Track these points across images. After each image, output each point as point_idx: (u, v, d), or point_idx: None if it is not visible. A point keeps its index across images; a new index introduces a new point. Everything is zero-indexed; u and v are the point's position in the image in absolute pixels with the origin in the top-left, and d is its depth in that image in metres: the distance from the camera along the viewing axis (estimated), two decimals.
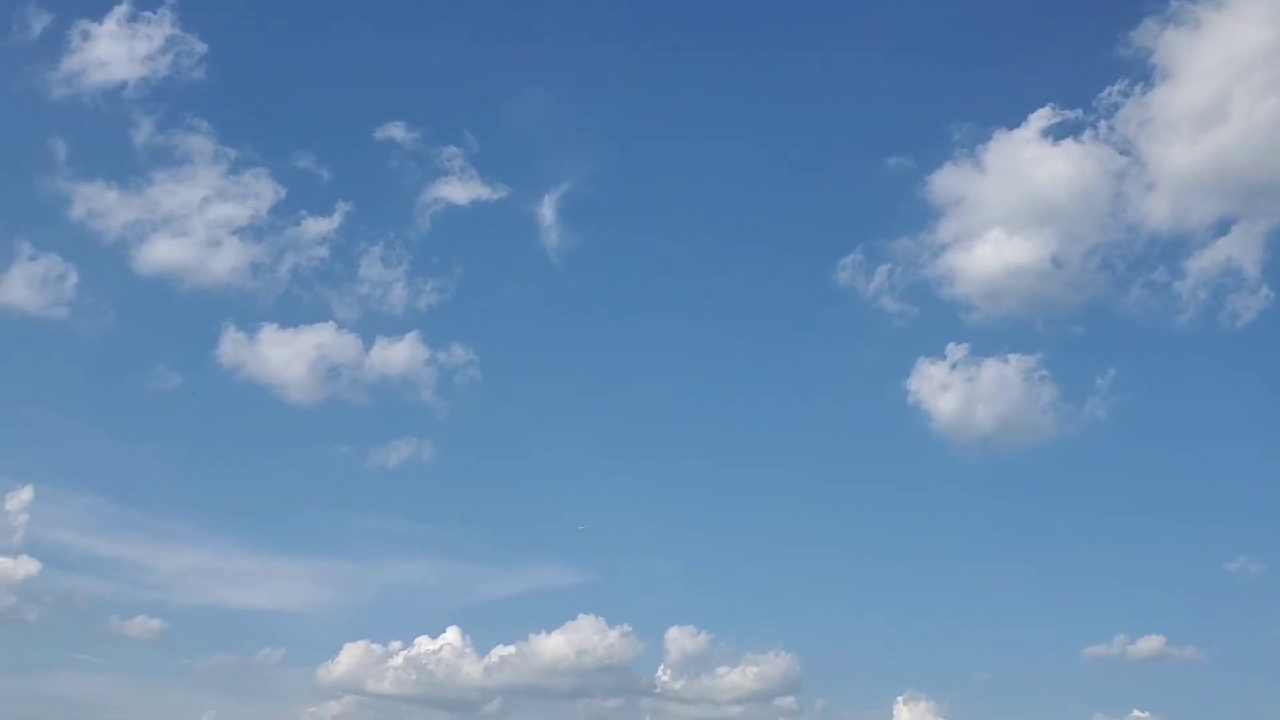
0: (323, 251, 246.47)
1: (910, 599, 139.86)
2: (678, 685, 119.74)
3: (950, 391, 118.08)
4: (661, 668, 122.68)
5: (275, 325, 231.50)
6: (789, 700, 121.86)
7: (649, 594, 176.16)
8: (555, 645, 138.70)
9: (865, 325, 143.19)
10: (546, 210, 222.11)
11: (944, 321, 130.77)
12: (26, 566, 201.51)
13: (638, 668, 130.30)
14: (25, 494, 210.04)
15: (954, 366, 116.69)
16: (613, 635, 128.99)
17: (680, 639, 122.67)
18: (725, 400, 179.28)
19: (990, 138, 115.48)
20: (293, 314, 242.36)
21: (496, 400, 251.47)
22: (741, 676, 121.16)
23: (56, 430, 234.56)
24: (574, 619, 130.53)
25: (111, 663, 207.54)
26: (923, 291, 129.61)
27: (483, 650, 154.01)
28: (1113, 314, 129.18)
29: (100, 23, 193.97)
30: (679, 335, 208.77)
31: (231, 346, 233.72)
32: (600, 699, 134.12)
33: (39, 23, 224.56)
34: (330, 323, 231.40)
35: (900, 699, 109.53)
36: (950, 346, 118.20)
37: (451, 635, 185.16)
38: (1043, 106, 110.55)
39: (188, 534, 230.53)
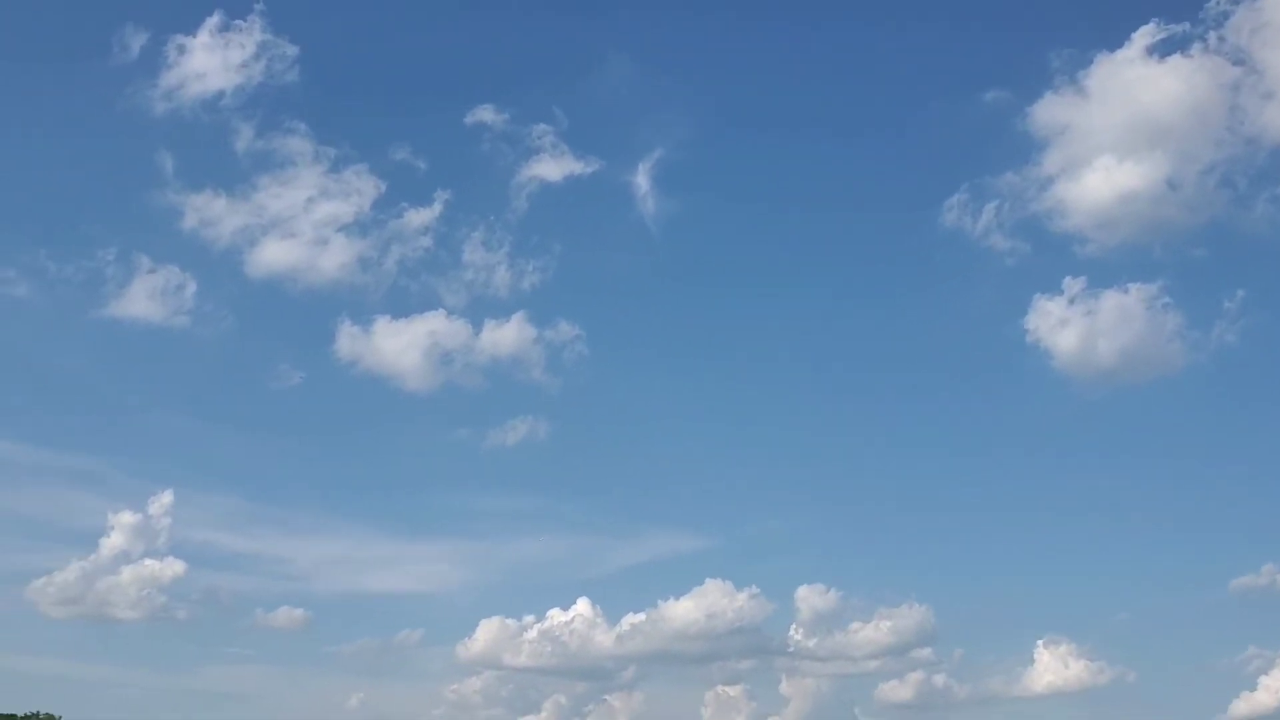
0: (426, 241, 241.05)
1: (1043, 543, 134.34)
2: (811, 643, 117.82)
3: (1069, 327, 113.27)
4: (793, 627, 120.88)
5: (387, 317, 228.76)
6: (925, 652, 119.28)
7: (775, 555, 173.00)
8: (684, 611, 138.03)
9: (976, 266, 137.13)
10: (641, 179, 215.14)
11: (1058, 256, 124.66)
12: (173, 567, 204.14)
13: (769, 628, 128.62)
14: (166, 498, 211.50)
15: (1071, 301, 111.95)
16: (741, 598, 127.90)
17: (810, 597, 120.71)
18: (838, 356, 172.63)
19: (1091, 61, 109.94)
20: (403, 304, 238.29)
21: (606, 373, 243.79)
22: (875, 631, 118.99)
23: (189, 434, 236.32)
24: (701, 584, 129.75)
25: (259, 654, 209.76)
26: (1033, 226, 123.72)
27: (613, 619, 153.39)
28: (1236, 233, 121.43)
29: (194, 35, 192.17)
30: (785, 294, 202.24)
31: (348, 341, 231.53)
32: (733, 661, 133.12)
33: (136, 42, 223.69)
34: (439, 310, 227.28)
35: (1040, 643, 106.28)
36: (1066, 281, 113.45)
37: (582, 606, 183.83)
38: (1146, 23, 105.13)
39: (322, 525, 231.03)
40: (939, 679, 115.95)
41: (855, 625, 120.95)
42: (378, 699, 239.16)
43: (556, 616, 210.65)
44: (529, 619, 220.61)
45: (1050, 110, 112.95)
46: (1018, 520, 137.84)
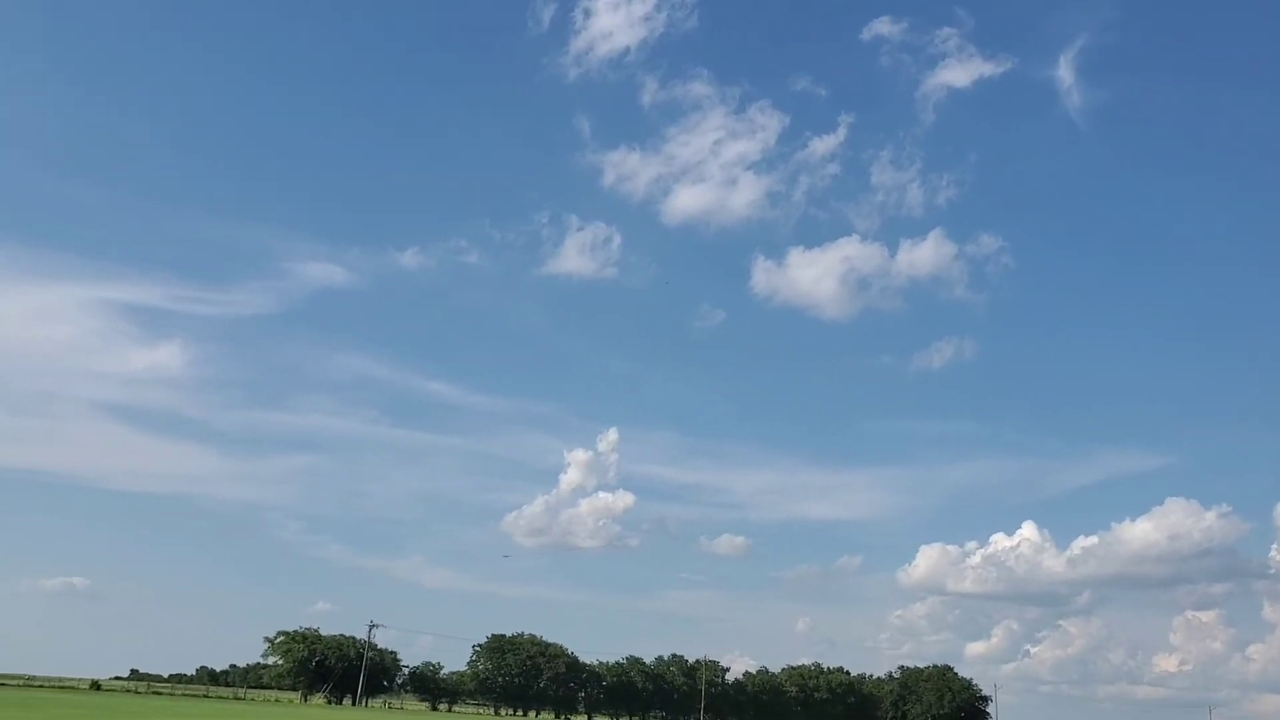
0: (833, 168, 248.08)
1: None
2: None
3: None
4: (1275, 547, 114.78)
5: (800, 248, 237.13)
6: None
7: (1248, 470, 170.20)
8: (1142, 532, 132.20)
9: None
10: (1063, 72, 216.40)
11: None
12: (624, 499, 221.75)
13: (1244, 549, 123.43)
14: (612, 435, 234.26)
15: None
16: (1209, 517, 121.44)
17: None
18: None
19: None
20: (815, 234, 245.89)
21: (1034, 284, 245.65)
22: None
23: (627, 376, 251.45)
24: (1160, 503, 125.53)
25: (707, 579, 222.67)
26: None
27: (1063, 543, 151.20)
28: None
29: None
30: (1231, 180, 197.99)
31: (763, 275, 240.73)
32: (1203, 585, 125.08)
33: (546, 14, 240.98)
34: (852, 236, 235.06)
35: None
36: None
37: (1028, 530, 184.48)
38: None
39: (756, 456, 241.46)
40: None
41: None
42: (823, 623, 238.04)
43: (1000, 541, 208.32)
44: (971, 544, 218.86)
45: None
46: None
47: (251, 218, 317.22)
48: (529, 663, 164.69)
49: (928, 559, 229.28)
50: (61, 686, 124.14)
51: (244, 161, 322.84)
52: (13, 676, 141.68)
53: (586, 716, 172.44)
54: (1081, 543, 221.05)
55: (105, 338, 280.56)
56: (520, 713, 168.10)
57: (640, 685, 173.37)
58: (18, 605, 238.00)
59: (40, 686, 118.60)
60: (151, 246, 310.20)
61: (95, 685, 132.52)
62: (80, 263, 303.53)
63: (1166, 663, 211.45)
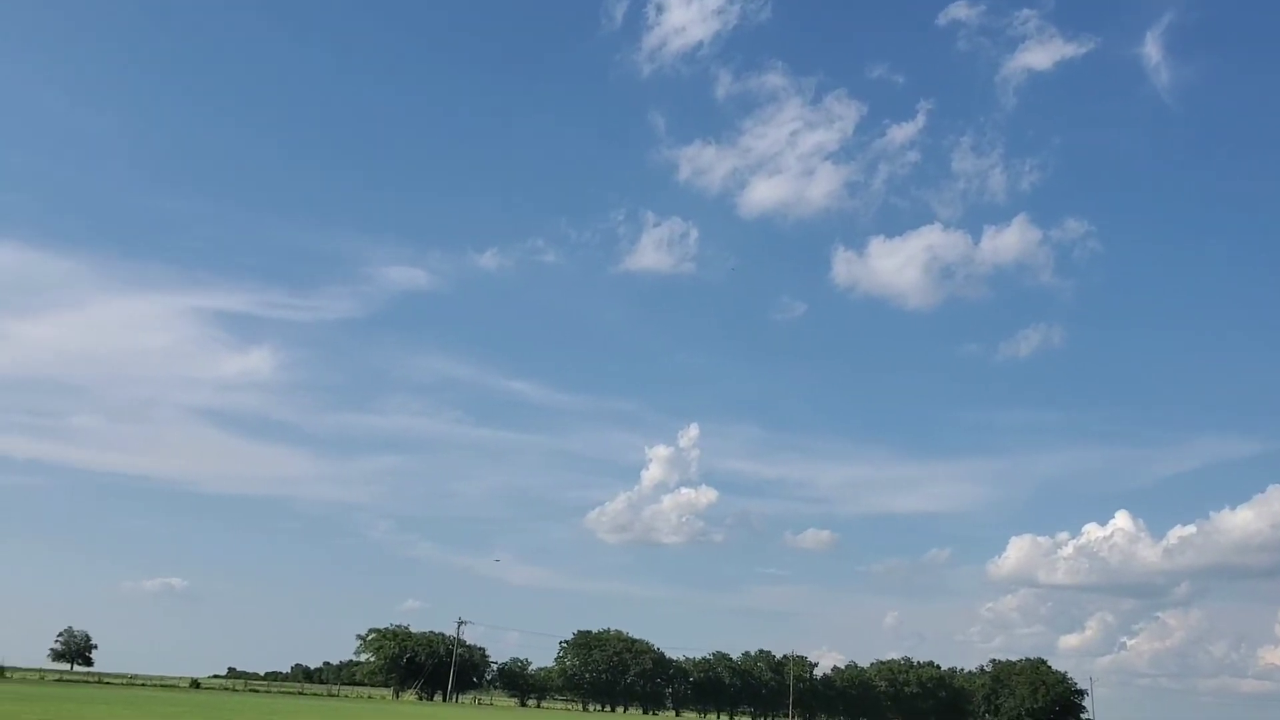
0: (912, 155, 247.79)
1: None
2: None
3: None
4: None
5: (881, 237, 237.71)
6: None
7: None
8: (1243, 521, 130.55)
9: None
10: (1150, 49, 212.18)
11: None
12: (707, 495, 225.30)
13: None
14: (693, 431, 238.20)
15: None
16: None
17: None
18: None
19: None
20: (895, 223, 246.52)
21: (1123, 268, 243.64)
22: None
23: (707, 371, 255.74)
24: (1262, 491, 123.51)
25: (793, 573, 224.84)
26: None
27: (1158, 533, 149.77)
28: None
29: None
30: None
31: (844, 266, 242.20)
32: None
33: (619, 11, 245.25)
34: (934, 224, 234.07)
35: None
36: None
37: (1121, 520, 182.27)
38: None
39: (840, 449, 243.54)
40: None
41: None
42: (912, 616, 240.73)
43: (1093, 532, 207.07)
44: (1062, 535, 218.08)
45: None
46: None
47: (335, 224, 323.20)
48: (615, 659, 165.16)
49: (1018, 550, 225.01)
50: (163, 685, 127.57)
51: (327, 168, 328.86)
52: (117, 675, 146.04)
53: (674, 712, 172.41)
54: (1179, 532, 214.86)
55: (199, 345, 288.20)
56: (608, 708, 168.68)
57: (728, 681, 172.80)
58: (120, 606, 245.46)
59: (143, 685, 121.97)
60: (240, 254, 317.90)
61: (195, 684, 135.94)
62: (173, 272, 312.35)
63: (1273, 655, 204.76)
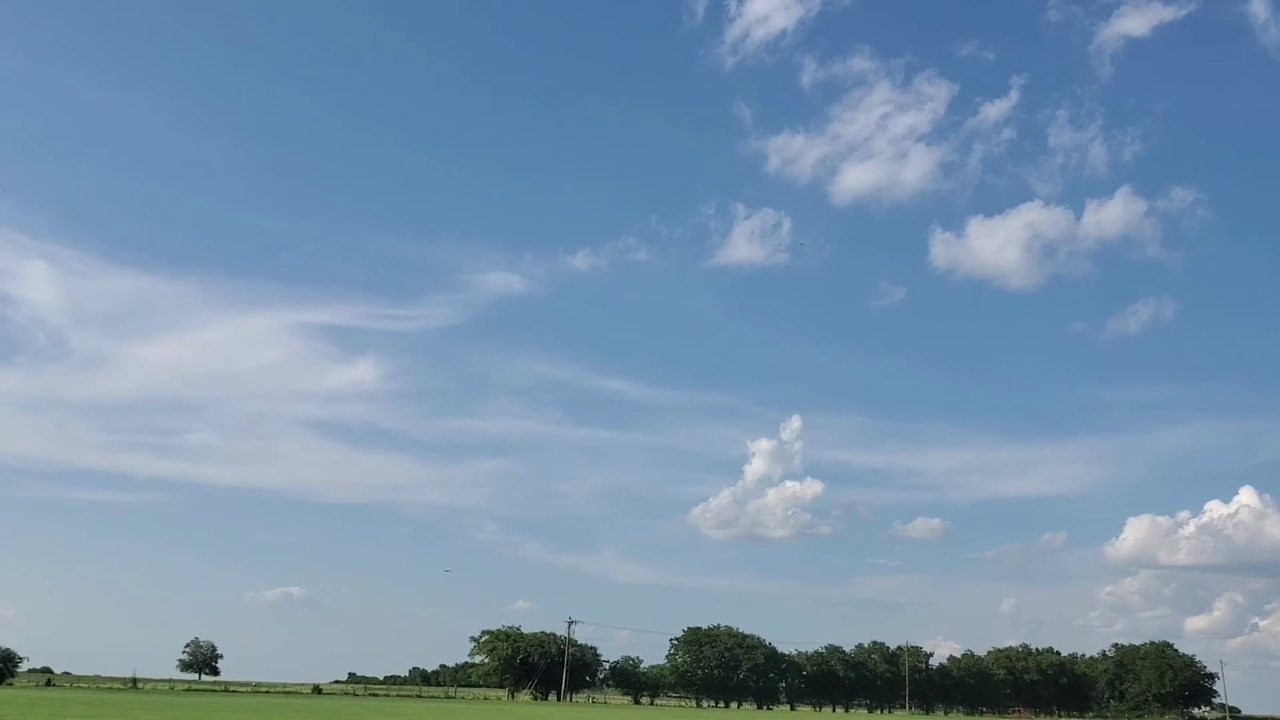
0: (1008, 133, 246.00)
1: None
2: None
3: None
4: None
5: (979, 217, 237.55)
6: None
7: None
8: None
9: None
10: (1256, 6, 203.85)
11: None
12: (812, 488, 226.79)
13: None
14: (795, 423, 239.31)
15: None
16: None
17: None
18: None
19: None
20: (994, 202, 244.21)
21: (1236, 235, 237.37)
22: None
23: (807, 361, 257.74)
24: None
25: (904, 563, 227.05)
26: None
27: None
28: None
29: None
30: None
31: (942, 248, 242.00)
32: None
33: (700, 5, 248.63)
34: (1034, 201, 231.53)
35: None
36: None
37: (1246, 496, 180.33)
38: None
39: (948, 435, 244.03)
40: None
41: None
42: (1029, 602, 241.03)
43: (1216, 509, 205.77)
44: (1183, 514, 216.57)
45: None
46: None
47: (431, 233, 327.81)
48: (727, 654, 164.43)
49: (1136, 531, 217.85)
50: (286, 692, 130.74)
51: (421, 179, 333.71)
52: (242, 683, 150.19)
53: (789, 706, 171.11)
54: None
55: (306, 358, 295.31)
56: (721, 704, 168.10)
57: (842, 674, 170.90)
58: (242, 616, 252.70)
59: (267, 692, 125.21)
60: (341, 269, 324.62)
61: (316, 689, 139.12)
62: (278, 289, 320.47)
63: None
